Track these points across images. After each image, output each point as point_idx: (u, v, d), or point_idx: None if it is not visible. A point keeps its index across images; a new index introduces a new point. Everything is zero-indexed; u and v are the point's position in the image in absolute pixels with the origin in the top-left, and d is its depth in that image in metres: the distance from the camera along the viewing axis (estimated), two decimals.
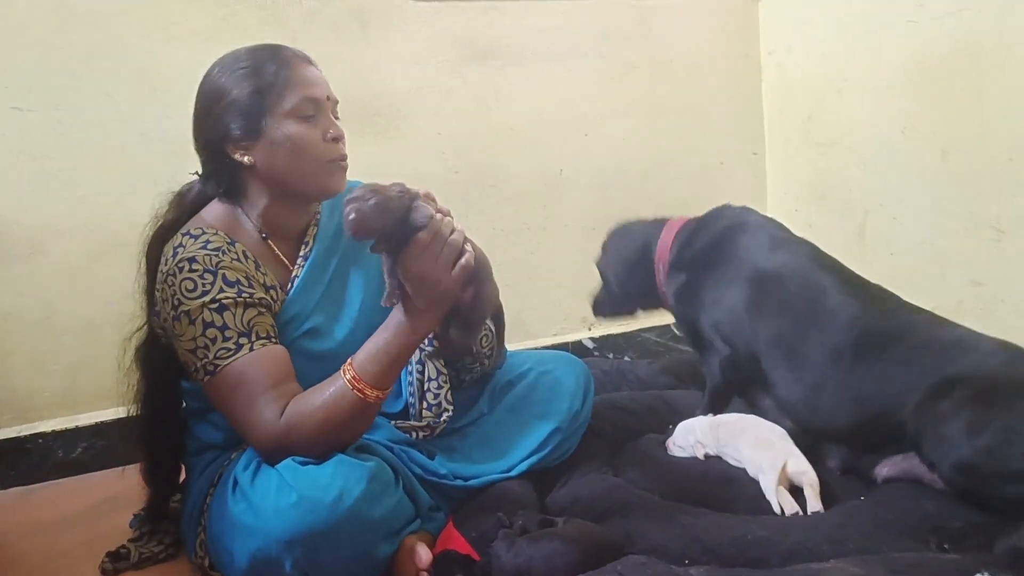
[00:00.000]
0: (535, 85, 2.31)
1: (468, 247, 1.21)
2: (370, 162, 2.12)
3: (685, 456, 1.57)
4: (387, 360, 1.21)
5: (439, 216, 1.18)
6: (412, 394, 1.46)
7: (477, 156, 2.27)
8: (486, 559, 1.20)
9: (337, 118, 1.37)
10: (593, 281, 2.43)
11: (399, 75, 2.17)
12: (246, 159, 1.31)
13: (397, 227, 1.16)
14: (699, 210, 2.54)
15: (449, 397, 1.45)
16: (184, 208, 1.38)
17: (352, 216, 1.13)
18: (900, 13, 2.09)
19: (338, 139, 1.33)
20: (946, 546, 1.19)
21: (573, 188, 2.39)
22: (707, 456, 1.56)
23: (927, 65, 2.05)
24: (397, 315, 1.22)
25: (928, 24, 2.03)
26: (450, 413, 1.45)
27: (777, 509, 1.35)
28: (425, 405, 1.45)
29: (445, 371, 1.45)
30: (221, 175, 1.35)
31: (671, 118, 2.49)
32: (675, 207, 2.52)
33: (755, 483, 1.45)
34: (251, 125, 1.29)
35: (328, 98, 1.34)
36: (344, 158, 1.34)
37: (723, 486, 1.45)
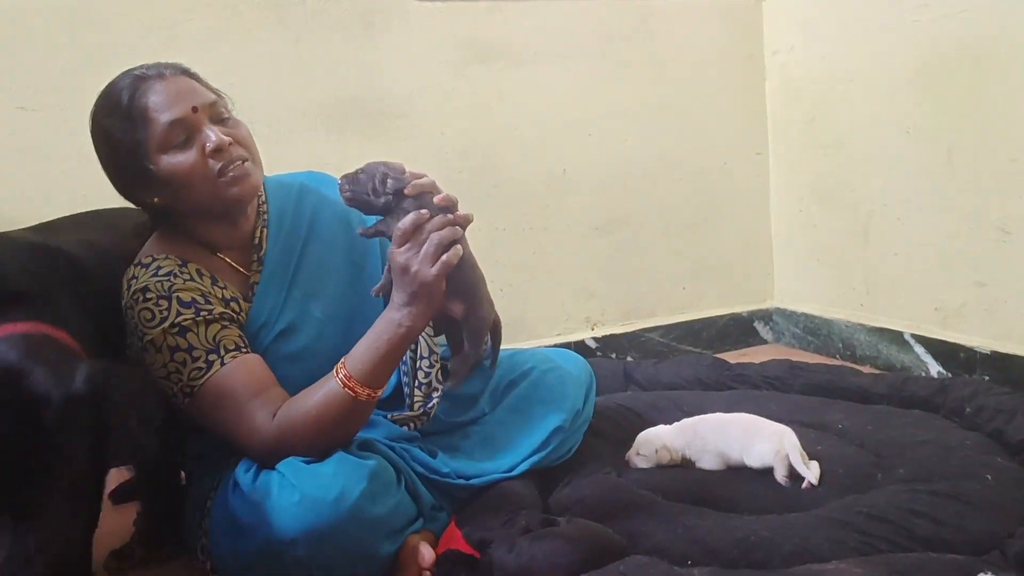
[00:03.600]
0: (538, 86, 2.31)
1: (459, 247, 1.20)
2: None
3: (648, 467, 1.54)
4: (376, 358, 1.20)
5: (424, 211, 1.18)
6: (406, 372, 1.45)
7: (480, 156, 2.28)
8: (487, 558, 1.20)
9: (226, 117, 1.30)
10: (596, 280, 2.44)
11: (403, 76, 2.18)
12: (155, 200, 1.29)
13: (386, 211, 1.20)
14: (702, 210, 2.56)
15: (440, 377, 1.45)
16: (146, 235, 1.37)
17: (346, 186, 1.24)
18: (903, 13, 2.09)
19: (220, 148, 1.25)
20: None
21: (576, 188, 2.39)
22: (674, 462, 1.54)
23: (931, 65, 2.05)
24: (385, 314, 1.21)
25: (932, 24, 2.03)
26: (440, 393, 1.44)
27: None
28: (416, 383, 1.44)
29: (437, 350, 1.45)
30: (146, 211, 1.35)
31: (674, 118, 2.49)
32: (678, 208, 2.53)
33: (756, 483, 1.46)
34: (138, 173, 1.27)
35: (196, 108, 1.25)
36: (235, 161, 1.26)
37: (725, 486, 1.46)
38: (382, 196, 1.21)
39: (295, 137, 2.07)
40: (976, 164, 1.98)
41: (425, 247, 1.17)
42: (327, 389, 1.20)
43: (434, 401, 1.43)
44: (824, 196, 2.43)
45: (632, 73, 2.43)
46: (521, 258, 2.34)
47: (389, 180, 1.21)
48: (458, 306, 1.26)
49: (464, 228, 1.22)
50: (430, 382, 1.44)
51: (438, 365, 1.45)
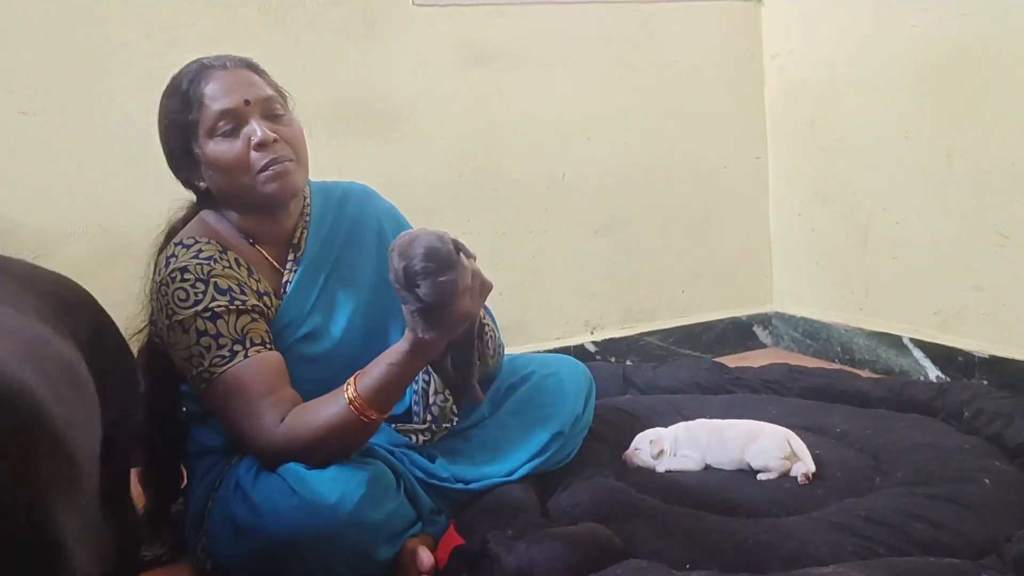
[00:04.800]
0: (537, 88, 2.32)
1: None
2: (374, 165, 2.14)
3: (647, 461, 1.56)
4: (392, 387, 1.21)
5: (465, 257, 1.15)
6: (416, 403, 1.46)
7: (480, 159, 2.28)
8: (488, 561, 1.21)
9: (279, 113, 1.32)
10: (596, 283, 2.44)
11: (403, 78, 2.18)
12: (201, 184, 1.33)
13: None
14: (701, 213, 2.56)
15: (455, 409, 1.45)
16: (192, 215, 1.40)
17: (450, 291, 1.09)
18: (902, 17, 2.09)
19: (264, 144, 1.28)
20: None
21: (575, 191, 2.39)
22: (663, 457, 1.56)
23: (931, 68, 2.05)
24: (407, 345, 1.18)
25: (931, 27, 2.03)
26: (454, 424, 1.45)
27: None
28: (430, 417, 1.45)
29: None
30: (193, 193, 1.38)
31: (673, 121, 2.49)
32: (678, 211, 2.54)
33: (754, 487, 1.46)
34: (185, 154, 1.31)
35: (248, 101, 1.29)
36: (279, 160, 1.29)
37: (724, 490, 1.46)
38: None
39: None
40: (975, 167, 1.98)
41: (473, 285, 1.16)
42: (336, 406, 1.20)
43: (443, 426, 1.44)
44: (824, 199, 2.43)
45: (631, 76, 2.43)
46: (521, 260, 2.34)
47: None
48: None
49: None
50: (444, 414, 1.44)
51: (451, 400, 1.45)
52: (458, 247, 1.13)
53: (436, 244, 1.10)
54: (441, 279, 1.09)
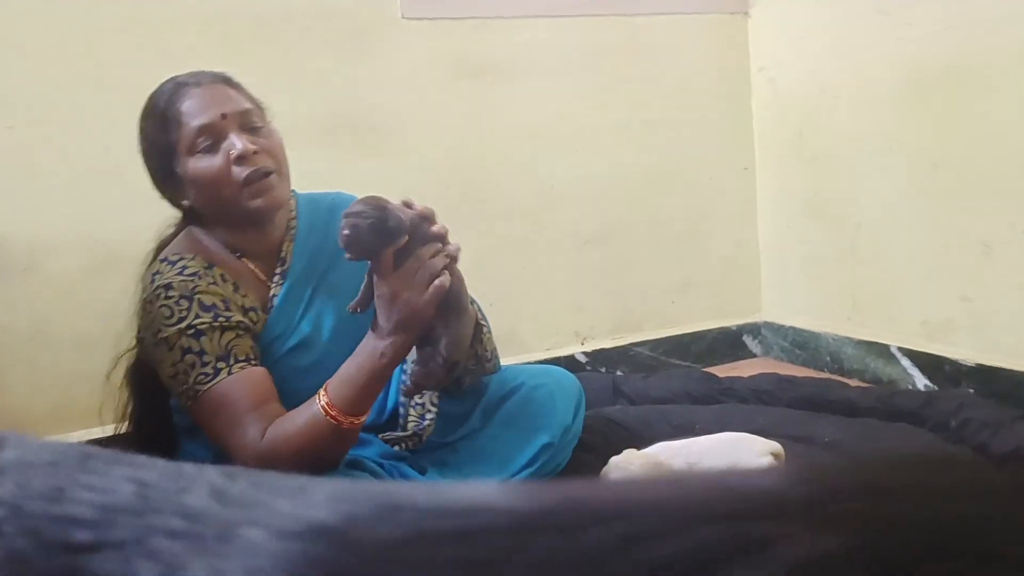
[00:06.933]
0: (526, 101, 2.33)
1: (447, 274, 1.20)
2: (363, 178, 2.13)
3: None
4: (359, 388, 1.20)
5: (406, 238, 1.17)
6: (403, 405, 1.46)
7: (469, 171, 2.29)
8: None
9: (257, 126, 1.32)
10: (585, 294, 2.44)
11: (392, 91, 2.19)
12: (184, 202, 1.34)
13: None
14: (691, 224, 2.58)
15: (435, 400, 1.45)
16: (181, 231, 1.40)
17: (346, 232, 1.13)
18: (889, 30, 2.11)
19: (244, 156, 1.27)
20: None
21: (565, 202, 2.40)
22: None
23: (916, 82, 2.07)
24: (367, 341, 1.21)
25: (917, 41, 2.05)
26: (434, 415, 1.44)
27: None
28: (412, 402, 1.45)
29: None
30: (179, 211, 1.39)
31: (661, 133, 2.50)
32: (667, 221, 2.55)
33: None
34: (168, 174, 1.32)
35: (225, 115, 1.28)
36: (261, 172, 1.29)
37: None
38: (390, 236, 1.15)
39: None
40: (961, 179, 2.00)
41: (419, 274, 1.16)
42: (310, 415, 1.20)
43: (426, 423, 1.44)
44: (812, 210, 2.45)
45: (620, 88, 2.44)
46: (510, 272, 2.35)
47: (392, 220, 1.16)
48: (441, 323, 1.26)
49: (455, 261, 1.23)
50: (424, 403, 1.44)
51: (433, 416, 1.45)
52: (395, 223, 1.15)
53: (371, 201, 1.16)
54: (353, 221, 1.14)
